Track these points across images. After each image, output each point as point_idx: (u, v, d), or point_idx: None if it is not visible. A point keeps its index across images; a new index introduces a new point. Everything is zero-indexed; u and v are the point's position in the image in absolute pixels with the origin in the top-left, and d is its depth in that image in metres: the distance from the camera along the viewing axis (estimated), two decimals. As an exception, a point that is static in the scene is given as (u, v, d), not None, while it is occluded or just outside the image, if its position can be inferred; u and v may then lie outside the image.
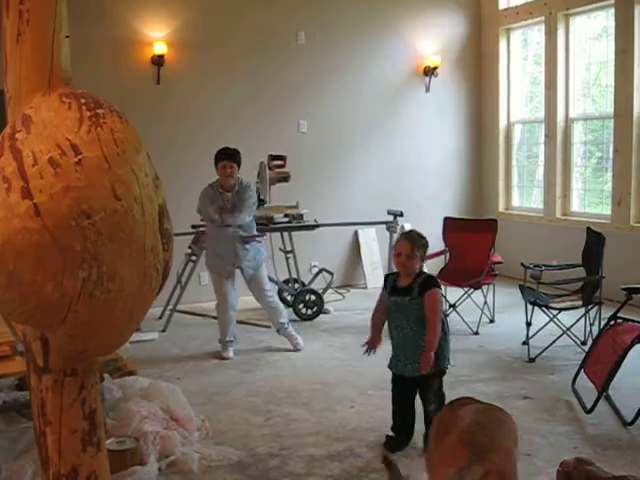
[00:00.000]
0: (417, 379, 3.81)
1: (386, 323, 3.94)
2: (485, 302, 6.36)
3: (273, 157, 6.71)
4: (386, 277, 4.04)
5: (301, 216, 6.95)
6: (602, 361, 4.33)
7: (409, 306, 3.78)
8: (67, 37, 1.95)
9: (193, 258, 6.59)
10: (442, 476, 2.48)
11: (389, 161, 8.37)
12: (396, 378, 3.91)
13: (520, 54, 8.62)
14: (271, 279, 6.77)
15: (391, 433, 3.92)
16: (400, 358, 3.84)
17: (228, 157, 5.43)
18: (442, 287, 6.37)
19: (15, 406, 3.81)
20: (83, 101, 1.82)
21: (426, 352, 3.68)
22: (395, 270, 3.98)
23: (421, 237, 3.87)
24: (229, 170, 5.43)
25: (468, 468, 2.39)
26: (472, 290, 6.28)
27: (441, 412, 2.98)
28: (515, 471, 2.53)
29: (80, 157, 1.73)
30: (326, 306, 6.93)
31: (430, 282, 3.82)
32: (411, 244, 3.78)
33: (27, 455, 3.33)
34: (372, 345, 3.94)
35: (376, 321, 3.97)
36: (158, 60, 7.15)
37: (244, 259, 5.58)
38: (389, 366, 3.92)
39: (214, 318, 6.77)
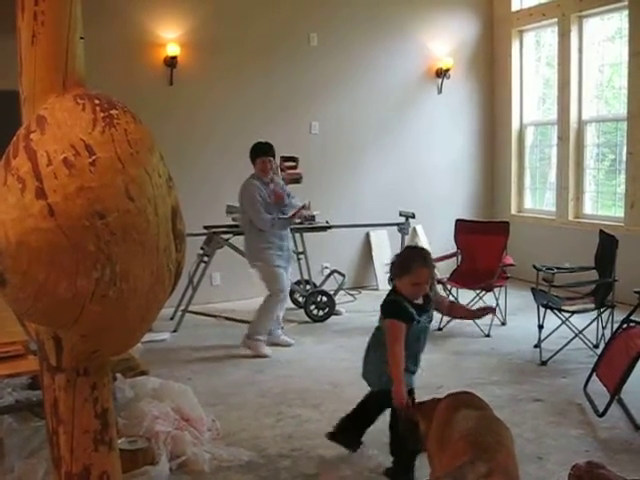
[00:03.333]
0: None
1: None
2: (497, 304, 6.33)
3: (285, 158, 6.72)
4: (401, 306, 3.43)
5: (313, 217, 6.97)
6: (614, 364, 4.31)
7: (430, 321, 3.60)
8: (82, 39, 1.96)
9: (205, 259, 6.61)
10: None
11: (401, 163, 8.36)
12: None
13: (533, 56, 8.59)
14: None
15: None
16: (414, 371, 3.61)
17: (266, 153, 5.67)
18: (454, 289, 6.43)
19: (28, 405, 3.83)
20: (97, 102, 1.83)
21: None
22: (399, 297, 3.46)
23: (429, 254, 3.56)
24: (269, 165, 5.70)
25: (471, 464, 2.42)
26: (484, 292, 6.26)
27: (441, 404, 3.01)
28: (517, 470, 2.57)
29: (94, 158, 1.74)
30: (337, 307, 6.93)
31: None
32: (429, 270, 3.46)
33: (39, 454, 3.35)
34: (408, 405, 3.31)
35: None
36: (171, 61, 7.17)
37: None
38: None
39: (227, 319, 6.81)
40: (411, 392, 3.54)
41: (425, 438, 3.02)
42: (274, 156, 5.79)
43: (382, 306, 3.52)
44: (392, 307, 3.45)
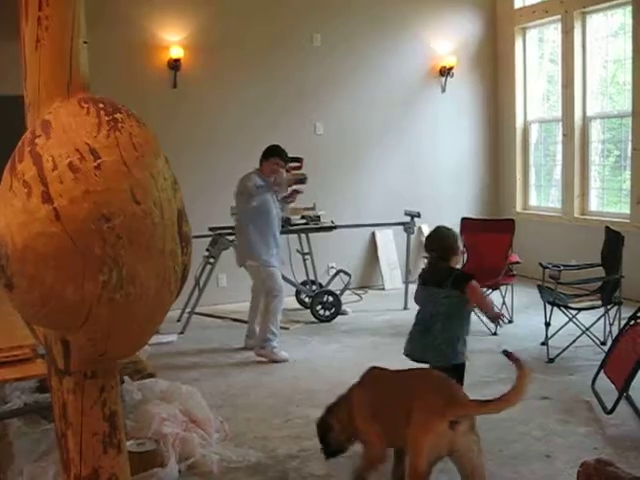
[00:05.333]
0: None
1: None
2: (504, 302, 6.33)
3: (290, 159, 6.71)
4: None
5: (318, 218, 6.98)
6: (622, 361, 4.30)
7: None
8: (85, 43, 1.97)
9: (211, 260, 6.61)
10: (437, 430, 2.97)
11: (406, 162, 8.36)
12: None
13: (536, 53, 8.58)
14: (289, 280, 6.81)
15: None
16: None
17: (280, 155, 5.68)
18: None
19: (36, 408, 3.84)
20: (101, 106, 1.84)
21: None
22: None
23: None
24: (277, 168, 5.71)
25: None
26: (490, 290, 6.24)
27: (357, 390, 3.41)
28: None
29: (99, 161, 1.75)
30: (344, 307, 6.93)
31: None
32: None
33: (48, 457, 3.36)
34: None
35: None
36: (174, 64, 7.19)
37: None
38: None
39: (233, 320, 6.82)
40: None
41: (345, 431, 3.35)
42: (285, 163, 5.76)
43: (456, 278, 3.87)
44: (466, 274, 4.01)
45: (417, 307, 4.04)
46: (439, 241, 3.98)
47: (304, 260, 7.29)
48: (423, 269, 4.12)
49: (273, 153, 5.65)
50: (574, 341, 5.32)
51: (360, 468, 3.35)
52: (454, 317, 3.87)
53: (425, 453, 2.94)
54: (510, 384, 4.78)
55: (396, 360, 4.02)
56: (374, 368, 3.50)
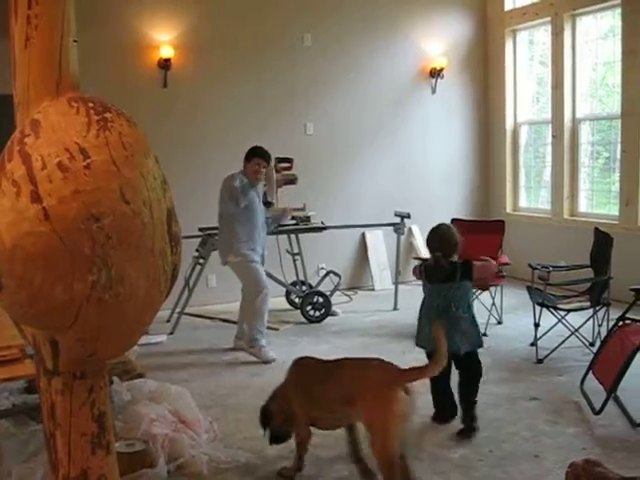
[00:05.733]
0: None
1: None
2: (493, 303, 6.34)
3: (280, 160, 6.72)
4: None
5: (308, 218, 6.97)
6: (611, 362, 4.32)
7: None
8: (75, 42, 1.96)
9: (201, 261, 6.60)
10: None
11: (396, 163, 8.37)
12: None
13: (526, 55, 8.60)
14: (278, 281, 6.80)
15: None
16: None
17: (262, 156, 5.67)
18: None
19: (25, 409, 3.83)
20: (91, 105, 1.83)
21: None
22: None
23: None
24: (260, 169, 5.70)
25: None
26: (480, 291, 6.26)
27: (292, 379, 3.66)
28: None
29: (89, 161, 1.74)
30: (334, 308, 6.93)
31: None
32: None
33: (37, 458, 3.34)
34: None
35: None
36: (165, 64, 7.17)
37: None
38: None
39: (222, 321, 6.81)
40: None
41: (283, 416, 3.57)
42: (268, 163, 5.77)
43: (463, 269, 4.06)
44: (466, 261, 4.12)
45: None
46: (444, 242, 4.10)
47: (294, 261, 7.28)
48: (426, 265, 4.14)
49: (255, 154, 5.66)
50: (563, 342, 5.34)
51: (298, 451, 3.57)
52: (470, 303, 4.14)
53: (393, 424, 3.12)
54: (499, 382, 4.82)
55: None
56: (307, 357, 3.76)
